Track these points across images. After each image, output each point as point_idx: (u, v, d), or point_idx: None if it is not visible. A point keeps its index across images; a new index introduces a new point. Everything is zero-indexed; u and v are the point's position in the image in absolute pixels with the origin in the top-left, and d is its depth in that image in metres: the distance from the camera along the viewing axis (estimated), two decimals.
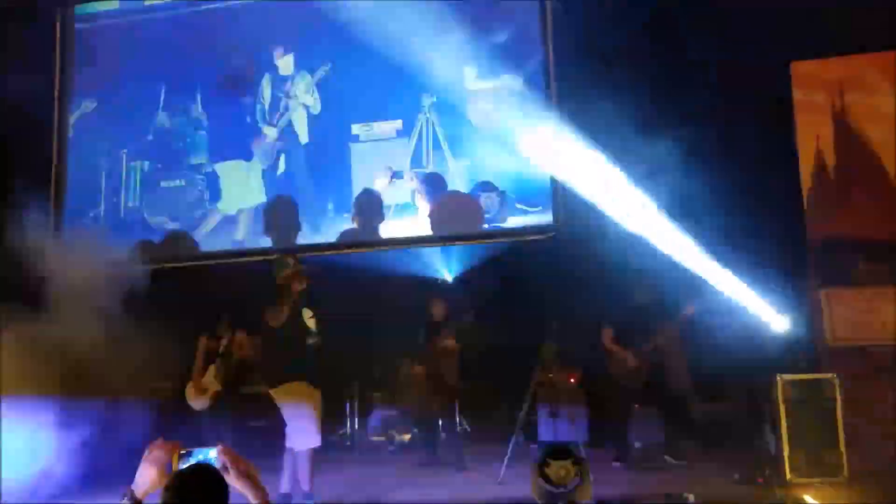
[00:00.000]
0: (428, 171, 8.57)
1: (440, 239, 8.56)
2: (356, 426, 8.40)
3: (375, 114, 8.77)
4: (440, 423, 7.23)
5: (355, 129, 8.79)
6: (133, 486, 2.23)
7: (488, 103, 8.49)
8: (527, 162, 8.35)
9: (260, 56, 9.13)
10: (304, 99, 8.99)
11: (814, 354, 6.37)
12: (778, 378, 5.57)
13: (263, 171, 9.01)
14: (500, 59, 8.55)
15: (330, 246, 8.71)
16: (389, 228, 8.58)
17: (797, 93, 6.91)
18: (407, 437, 7.75)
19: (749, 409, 6.89)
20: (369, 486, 6.06)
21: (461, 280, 8.61)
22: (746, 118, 7.24)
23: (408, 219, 8.57)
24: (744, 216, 7.27)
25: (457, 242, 8.59)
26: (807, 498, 5.08)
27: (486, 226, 8.42)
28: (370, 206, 8.61)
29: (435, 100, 8.60)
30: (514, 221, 8.38)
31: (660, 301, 6.81)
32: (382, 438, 7.79)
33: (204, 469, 2.16)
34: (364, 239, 8.61)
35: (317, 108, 8.97)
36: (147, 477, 2.20)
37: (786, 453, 5.43)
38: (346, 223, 8.71)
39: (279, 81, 9.08)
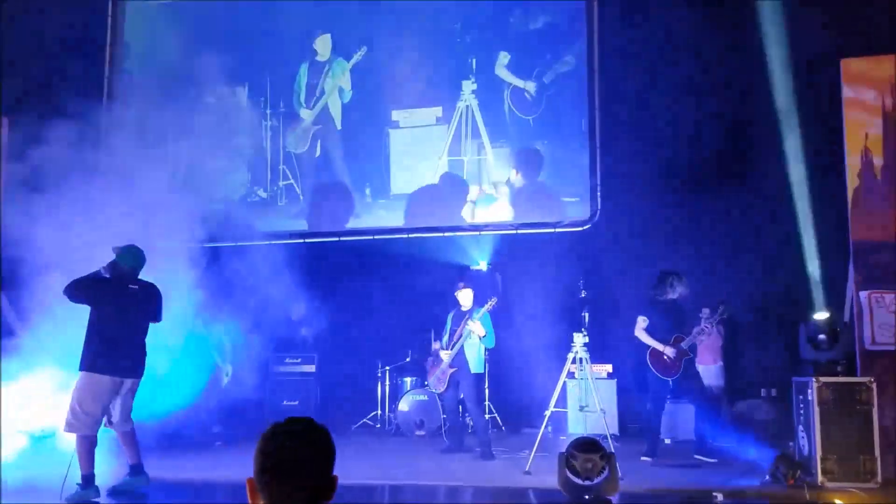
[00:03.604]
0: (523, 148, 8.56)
1: (475, 228, 8.56)
2: (386, 411, 8.47)
3: (414, 100, 8.76)
4: (468, 410, 7.25)
5: (395, 115, 8.79)
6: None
7: (528, 92, 8.45)
8: (566, 152, 8.31)
9: (299, 41, 9.16)
10: (340, 83, 8.98)
11: (852, 357, 6.25)
12: (814, 380, 5.47)
13: (298, 155, 9.08)
14: (543, 48, 8.50)
15: (366, 231, 8.75)
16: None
17: (846, 90, 6.74)
18: (435, 423, 7.79)
19: (783, 410, 6.79)
20: (397, 471, 6.10)
21: (494, 268, 8.59)
22: (795, 115, 7.13)
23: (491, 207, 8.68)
24: (789, 215, 7.16)
25: (492, 231, 8.56)
26: (837, 502, 5.00)
27: None
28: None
29: (476, 87, 8.56)
30: (550, 211, 8.36)
31: (696, 297, 6.73)
32: (412, 424, 7.82)
33: (306, 422, 1.89)
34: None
35: (350, 95, 8.97)
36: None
37: (819, 456, 5.34)
38: (383, 209, 8.76)
39: (317, 66, 9.09)
